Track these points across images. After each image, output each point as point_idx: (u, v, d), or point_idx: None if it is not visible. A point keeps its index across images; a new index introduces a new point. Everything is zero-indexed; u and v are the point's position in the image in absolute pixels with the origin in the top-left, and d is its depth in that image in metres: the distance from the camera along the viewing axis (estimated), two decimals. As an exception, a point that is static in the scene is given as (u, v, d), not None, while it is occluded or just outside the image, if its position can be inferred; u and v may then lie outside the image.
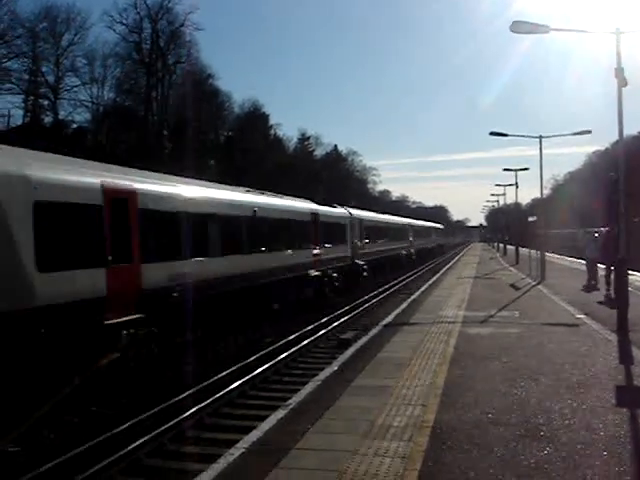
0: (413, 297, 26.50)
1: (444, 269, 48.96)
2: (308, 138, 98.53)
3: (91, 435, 10.37)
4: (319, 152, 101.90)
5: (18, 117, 57.15)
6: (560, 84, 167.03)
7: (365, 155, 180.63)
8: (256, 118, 76.93)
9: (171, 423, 11.03)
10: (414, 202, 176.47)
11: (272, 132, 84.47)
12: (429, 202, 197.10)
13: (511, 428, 8.06)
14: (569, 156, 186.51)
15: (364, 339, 16.10)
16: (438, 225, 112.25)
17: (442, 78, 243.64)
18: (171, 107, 66.12)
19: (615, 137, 44.70)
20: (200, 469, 7.58)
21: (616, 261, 16.82)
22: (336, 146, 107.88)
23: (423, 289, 30.30)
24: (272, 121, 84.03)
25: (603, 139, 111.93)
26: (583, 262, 35.24)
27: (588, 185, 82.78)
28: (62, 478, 8.93)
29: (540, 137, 33.39)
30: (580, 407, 8.98)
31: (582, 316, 18.11)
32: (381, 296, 31.70)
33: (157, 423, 11.04)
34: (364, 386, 10.71)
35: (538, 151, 33.77)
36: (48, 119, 59.13)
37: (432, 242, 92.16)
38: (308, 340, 19.07)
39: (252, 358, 16.24)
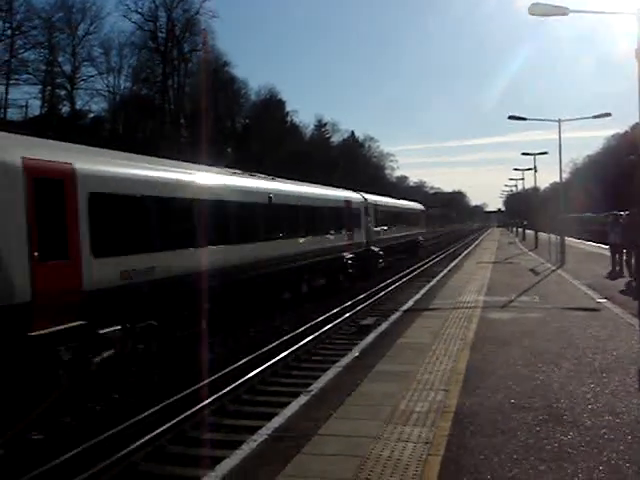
0: (432, 283, 26.42)
1: (464, 253, 48.83)
2: (325, 125, 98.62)
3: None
4: (336, 138, 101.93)
5: (35, 107, 57.76)
6: (577, 68, 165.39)
7: (382, 141, 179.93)
8: (272, 105, 76.94)
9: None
10: (432, 188, 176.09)
11: (289, 119, 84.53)
12: (447, 188, 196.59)
13: (534, 413, 8.04)
14: (588, 140, 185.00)
15: (384, 325, 16.11)
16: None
17: (457, 63, 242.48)
18: (187, 95, 66.34)
19: (635, 120, 44.05)
20: (223, 455, 7.62)
21: (637, 245, 16.64)
22: (353, 132, 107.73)
23: (443, 274, 30.24)
24: (288, 108, 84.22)
25: (623, 122, 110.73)
26: (603, 246, 34.99)
27: (607, 169, 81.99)
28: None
29: (559, 120, 33.02)
30: (603, 391, 8.93)
31: (603, 300, 17.96)
32: (400, 282, 31.58)
33: (177, 412, 10.93)
34: (385, 371, 10.72)
35: (555, 135, 33.39)
36: (65, 109, 59.61)
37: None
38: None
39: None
